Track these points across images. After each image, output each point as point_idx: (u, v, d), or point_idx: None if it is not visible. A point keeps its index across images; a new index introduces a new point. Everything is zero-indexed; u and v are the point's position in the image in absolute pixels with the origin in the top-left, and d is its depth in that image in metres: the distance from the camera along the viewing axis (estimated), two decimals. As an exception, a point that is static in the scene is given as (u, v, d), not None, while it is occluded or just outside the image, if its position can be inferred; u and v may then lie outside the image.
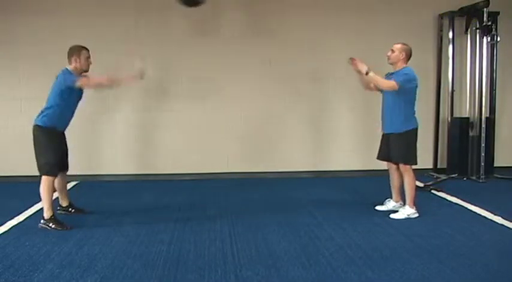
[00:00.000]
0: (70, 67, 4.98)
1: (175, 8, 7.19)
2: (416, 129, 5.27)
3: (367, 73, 5.05)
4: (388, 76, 5.24)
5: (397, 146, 5.25)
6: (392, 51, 5.24)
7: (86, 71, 5.07)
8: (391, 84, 5.06)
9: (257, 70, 7.49)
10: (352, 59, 5.17)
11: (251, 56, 7.46)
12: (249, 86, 7.51)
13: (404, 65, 5.19)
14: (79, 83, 4.87)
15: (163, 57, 7.35)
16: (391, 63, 5.26)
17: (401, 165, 5.27)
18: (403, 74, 5.10)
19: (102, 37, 7.13)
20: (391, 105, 5.26)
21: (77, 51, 4.99)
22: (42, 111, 4.94)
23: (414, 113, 5.26)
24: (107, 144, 7.36)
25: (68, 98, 4.91)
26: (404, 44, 5.24)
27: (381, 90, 5.35)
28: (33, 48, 7.10)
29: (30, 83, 7.09)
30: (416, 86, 5.19)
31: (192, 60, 7.38)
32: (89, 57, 5.05)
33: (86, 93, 5.23)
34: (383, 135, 5.49)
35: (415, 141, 5.28)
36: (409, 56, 5.20)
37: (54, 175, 4.94)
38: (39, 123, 4.91)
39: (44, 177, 4.88)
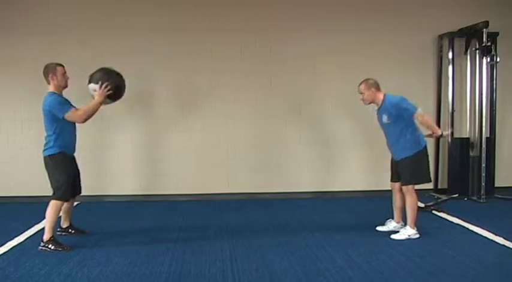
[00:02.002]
0: (50, 88, 4.98)
1: (174, 28, 7.34)
2: (425, 147, 5.19)
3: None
4: (380, 115, 5.24)
5: (407, 169, 5.19)
6: (362, 93, 5.22)
7: (65, 87, 5.06)
8: (425, 115, 5.09)
9: (258, 90, 7.53)
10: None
11: (252, 76, 7.50)
12: (250, 106, 7.54)
13: (382, 95, 5.17)
14: (68, 116, 4.85)
15: (164, 79, 7.42)
16: (370, 103, 5.27)
17: (403, 186, 5.25)
18: (401, 108, 5.04)
19: (101, 59, 7.18)
20: (395, 134, 5.18)
21: (51, 69, 5.00)
22: (46, 143, 4.96)
23: (418, 130, 5.17)
24: (108, 165, 7.37)
25: (62, 120, 4.90)
26: (366, 80, 5.22)
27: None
28: (34, 70, 7.13)
29: (30, 104, 7.09)
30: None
31: (192, 81, 7.44)
32: (64, 73, 5.05)
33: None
34: (392, 158, 5.44)
35: (426, 160, 5.24)
36: (377, 86, 5.18)
37: (66, 200, 4.97)
38: (48, 154, 4.94)
39: (53, 201, 4.88)
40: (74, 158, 5.14)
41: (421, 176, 5.23)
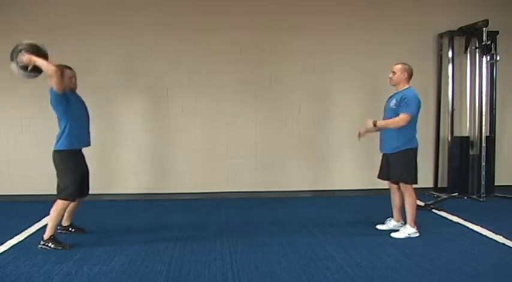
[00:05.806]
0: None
1: (175, 26, 7.32)
2: (416, 149, 5.25)
3: (375, 125, 5.14)
4: (390, 99, 5.28)
5: (397, 165, 5.24)
6: (394, 72, 5.24)
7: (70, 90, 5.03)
8: (402, 121, 5.07)
9: (258, 89, 7.52)
10: (359, 134, 5.34)
11: (252, 75, 7.50)
12: (250, 104, 7.54)
13: (407, 85, 5.19)
14: (53, 86, 4.73)
15: (165, 77, 7.41)
16: (394, 85, 5.27)
17: (401, 184, 5.26)
18: (404, 102, 5.09)
19: (102, 58, 7.19)
20: None
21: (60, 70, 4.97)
22: (58, 137, 4.93)
23: (415, 133, 5.24)
24: (109, 164, 7.35)
25: (71, 110, 4.89)
26: (404, 63, 5.24)
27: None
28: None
29: (30, 103, 7.07)
30: (419, 107, 5.17)
31: (192, 79, 7.43)
32: (72, 76, 5.03)
33: (91, 112, 5.25)
34: (383, 155, 5.49)
35: (415, 160, 5.25)
36: (410, 75, 5.20)
37: (72, 201, 4.97)
38: (58, 148, 4.91)
39: (59, 200, 4.87)
40: (83, 156, 5.12)
41: (411, 175, 5.23)
